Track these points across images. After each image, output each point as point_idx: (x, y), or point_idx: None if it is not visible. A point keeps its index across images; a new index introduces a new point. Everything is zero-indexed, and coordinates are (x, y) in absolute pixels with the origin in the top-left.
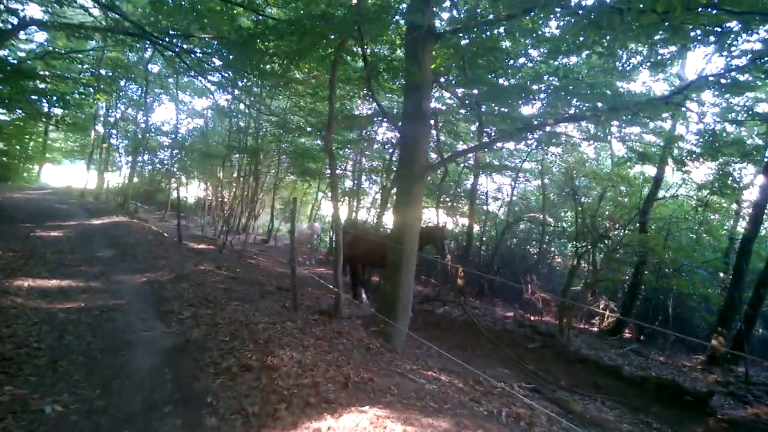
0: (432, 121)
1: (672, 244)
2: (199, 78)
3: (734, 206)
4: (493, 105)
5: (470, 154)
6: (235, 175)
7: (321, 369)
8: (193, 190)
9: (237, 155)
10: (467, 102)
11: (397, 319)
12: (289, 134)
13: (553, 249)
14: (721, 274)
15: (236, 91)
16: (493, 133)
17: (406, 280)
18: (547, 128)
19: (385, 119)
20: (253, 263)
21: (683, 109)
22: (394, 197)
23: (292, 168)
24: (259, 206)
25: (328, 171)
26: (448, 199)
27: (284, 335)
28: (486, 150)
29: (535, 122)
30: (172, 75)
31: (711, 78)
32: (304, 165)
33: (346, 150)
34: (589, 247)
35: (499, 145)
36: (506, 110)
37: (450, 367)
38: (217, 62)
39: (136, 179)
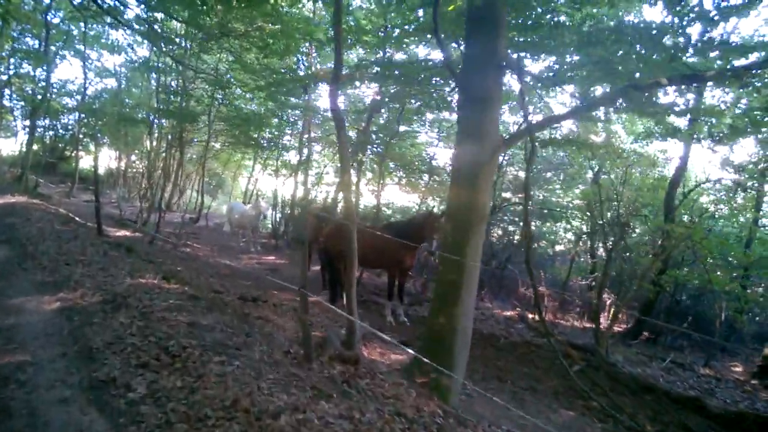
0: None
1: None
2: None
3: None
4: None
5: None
6: (156, 143)
7: None
8: (103, 160)
9: (162, 121)
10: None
11: (455, 364)
12: (230, 97)
13: (547, 233)
14: None
15: (162, 45)
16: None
17: (466, 305)
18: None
19: (445, 67)
20: (191, 253)
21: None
22: (450, 181)
23: (231, 137)
24: (184, 180)
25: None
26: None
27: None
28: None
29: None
30: (77, 25)
31: None
32: (248, 134)
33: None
34: (609, 235)
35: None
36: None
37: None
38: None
39: (35, 146)
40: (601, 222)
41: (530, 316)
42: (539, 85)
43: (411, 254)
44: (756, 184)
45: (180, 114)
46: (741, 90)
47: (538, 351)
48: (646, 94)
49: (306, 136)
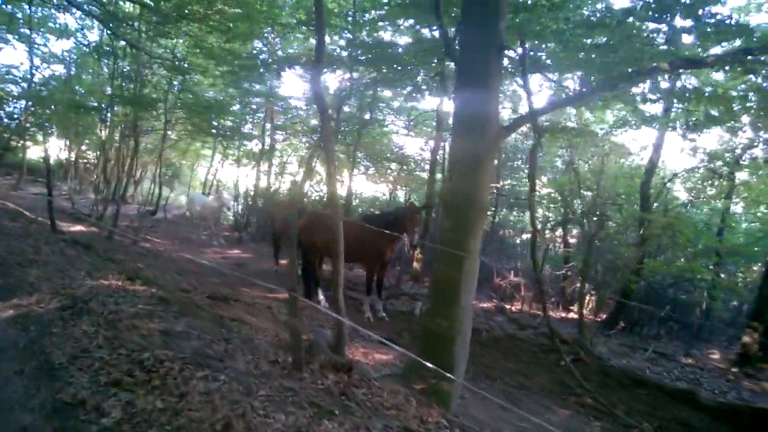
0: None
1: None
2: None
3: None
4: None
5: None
6: (109, 132)
7: None
8: (52, 151)
9: (116, 108)
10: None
11: (455, 368)
12: (188, 84)
13: (513, 222)
14: None
15: (114, 27)
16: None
17: (466, 304)
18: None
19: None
20: (152, 248)
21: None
22: (448, 170)
23: (192, 125)
24: (140, 171)
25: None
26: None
27: None
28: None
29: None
30: (21, 7)
31: None
32: (209, 122)
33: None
34: (585, 225)
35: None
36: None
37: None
38: None
39: None
40: (579, 211)
41: (507, 307)
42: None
43: (391, 247)
44: (729, 172)
45: (136, 101)
46: (746, 75)
47: (522, 345)
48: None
49: (268, 124)
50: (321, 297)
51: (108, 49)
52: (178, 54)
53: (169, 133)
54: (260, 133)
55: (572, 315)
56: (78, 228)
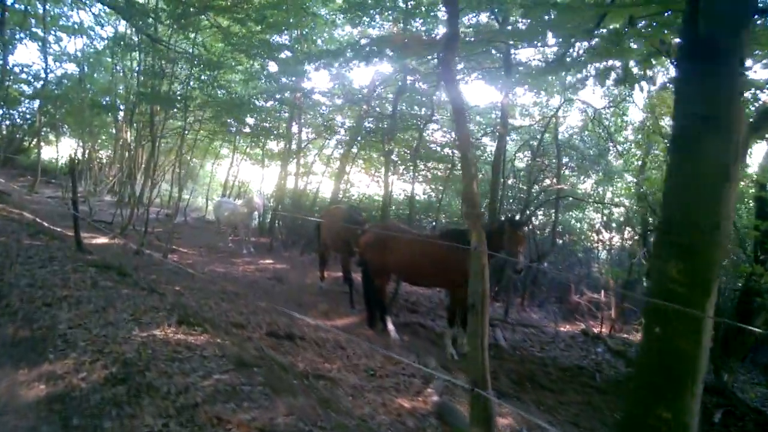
0: None
1: None
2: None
3: None
4: None
5: None
6: (131, 132)
7: None
8: (64, 151)
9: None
10: None
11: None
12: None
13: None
14: None
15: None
16: None
17: (699, 389)
18: None
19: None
20: (182, 263)
21: None
22: (667, 190)
23: (221, 123)
24: (159, 172)
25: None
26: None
27: None
28: None
29: None
30: (34, 5)
31: None
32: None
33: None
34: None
35: None
36: None
37: None
38: None
39: None
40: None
41: (595, 330)
42: None
43: None
44: None
45: (165, 98)
46: None
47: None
48: None
49: (296, 122)
50: (391, 327)
51: (129, 42)
52: (201, 48)
53: (186, 132)
54: (285, 132)
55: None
56: (101, 240)
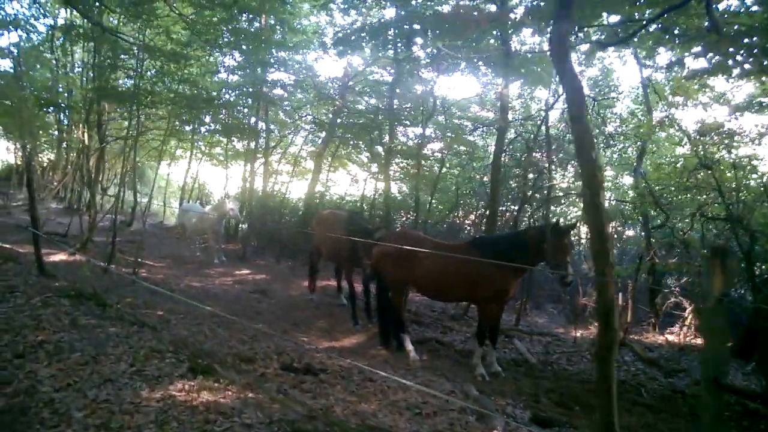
0: None
1: None
2: None
3: None
4: None
5: None
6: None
7: None
8: None
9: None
10: None
11: None
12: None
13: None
14: None
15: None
16: None
17: None
18: None
19: None
20: (152, 279)
21: None
22: None
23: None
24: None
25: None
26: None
27: None
28: None
29: None
30: None
31: None
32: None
33: None
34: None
35: None
36: None
37: None
38: None
39: None
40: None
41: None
42: None
43: (516, 282)
44: None
45: (122, 94)
46: None
47: (685, 402)
48: None
49: (262, 115)
50: (410, 347)
51: (77, 33)
52: (163, 37)
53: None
54: (249, 128)
55: (663, 339)
56: (60, 257)
